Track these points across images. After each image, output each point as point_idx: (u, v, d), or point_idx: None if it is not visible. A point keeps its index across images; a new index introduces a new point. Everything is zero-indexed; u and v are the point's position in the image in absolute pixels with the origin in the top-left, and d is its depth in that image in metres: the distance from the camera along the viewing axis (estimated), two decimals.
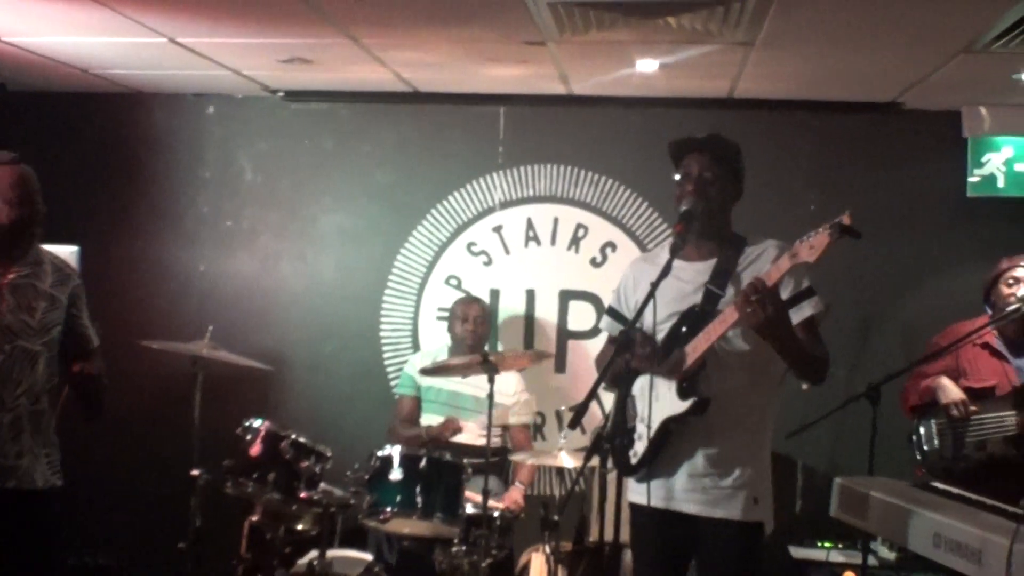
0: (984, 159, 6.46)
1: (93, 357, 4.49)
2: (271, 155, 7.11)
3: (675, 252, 3.75)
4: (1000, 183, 6.45)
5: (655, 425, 3.84)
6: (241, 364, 5.80)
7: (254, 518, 5.68)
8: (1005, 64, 5.47)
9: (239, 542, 5.79)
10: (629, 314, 4.03)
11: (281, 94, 6.99)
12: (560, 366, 6.85)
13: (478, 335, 6.29)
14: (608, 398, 3.93)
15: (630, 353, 3.62)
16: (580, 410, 3.52)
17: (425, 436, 5.98)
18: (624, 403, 4.02)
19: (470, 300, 6.50)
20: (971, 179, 6.48)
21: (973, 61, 5.38)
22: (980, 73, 5.66)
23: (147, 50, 5.91)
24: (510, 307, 6.91)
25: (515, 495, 5.99)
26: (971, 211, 6.53)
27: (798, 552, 6.03)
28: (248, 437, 5.30)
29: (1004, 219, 6.43)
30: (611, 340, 4.22)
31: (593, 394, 3.57)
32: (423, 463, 5.23)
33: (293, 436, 5.24)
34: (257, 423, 5.31)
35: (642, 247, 6.71)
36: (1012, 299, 5.25)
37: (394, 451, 5.30)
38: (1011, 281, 5.30)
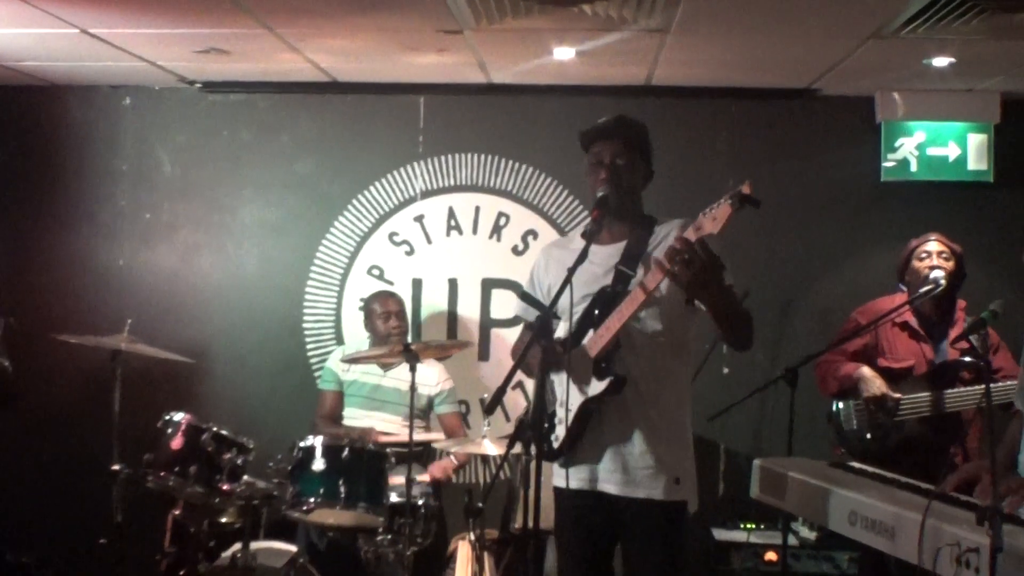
0: (897, 144, 6.56)
1: None
2: (189, 147, 7.03)
3: (591, 238, 3.78)
4: (913, 167, 6.56)
5: (574, 408, 3.86)
6: (161, 357, 5.75)
7: (177, 512, 5.65)
8: (915, 49, 5.55)
9: (162, 536, 5.75)
10: (541, 298, 4.06)
11: (199, 85, 6.92)
12: (483, 354, 6.87)
13: (403, 329, 6.27)
14: (532, 384, 3.94)
15: (546, 339, 3.63)
16: (496, 396, 3.54)
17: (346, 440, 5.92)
18: (543, 389, 4.05)
19: (387, 295, 6.45)
20: (885, 164, 6.57)
21: (884, 46, 5.46)
22: (892, 58, 5.74)
23: (58, 41, 5.82)
24: (432, 296, 6.90)
25: (444, 463, 5.99)
26: (885, 195, 6.63)
27: (721, 534, 6.09)
28: (169, 431, 5.27)
29: (917, 203, 6.54)
30: (527, 326, 4.24)
31: (508, 381, 3.58)
32: (345, 453, 5.22)
33: (214, 429, 5.22)
34: (178, 416, 5.28)
35: (563, 234, 6.71)
36: (925, 270, 5.33)
37: (316, 441, 5.27)
38: (923, 255, 5.38)
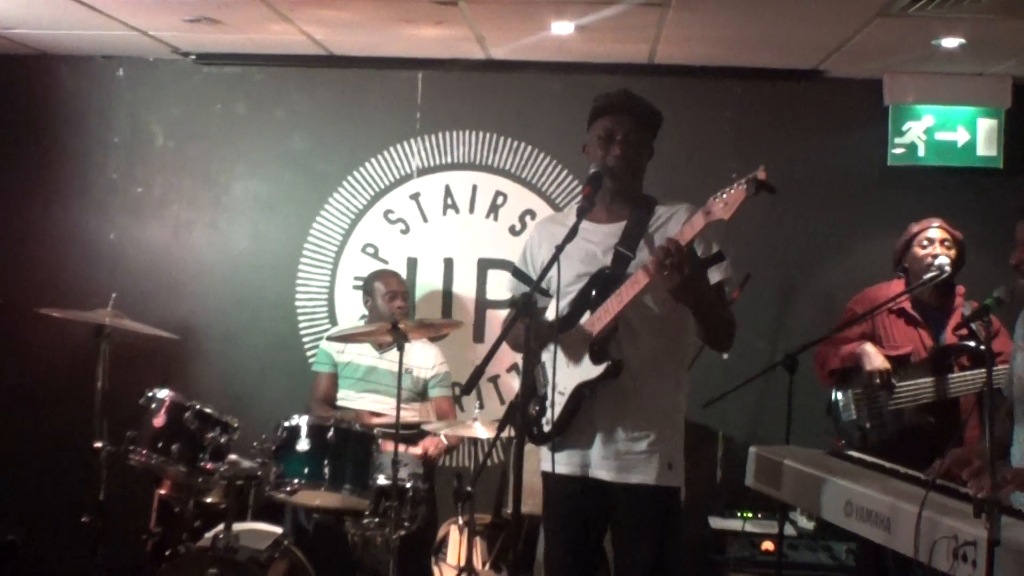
0: (905, 128, 6.45)
1: None
2: (183, 120, 6.91)
3: (582, 215, 3.70)
4: (921, 152, 6.44)
5: (568, 391, 3.80)
6: (145, 333, 5.65)
7: (163, 491, 5.57)
8: (924, 29, 5.44)
9: (147, 515, 5.69)
10: (533, 275, 3.97)
11: (193, 57, 6.79)
12: (479, 336, 6.77)
13: (406, 311, 6.19)
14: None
15: (531, 319, 3.52)
16: (474, 376, 3.45)
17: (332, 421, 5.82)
18: (532, 370, 3.96)
19: (391, 273, 6.36)
20: (892, 148, 6.45)
21: (892, 25, 5.34)
22: (900, 39, 5.64)
23: (44, 7, 5.71)
24: (428, 276, 6.80)
25: (436, 439, 5.89)
26: (892, 180, 6.52)
27: (717, 523, 6.02)
28: (152, 407, 5.17)
29: (924, 188, 6.42)
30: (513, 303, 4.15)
31: (487, 361, 3.49)
32: (331, 433, 5.11)
33: (197, 406, 5.12)
34: (161, 393, 5.20)
35: (559, 211, 6.60)
36: (928, 259, 5.21)
37: (302, 421, 5.17)
38: (925, 243, 5.26)
